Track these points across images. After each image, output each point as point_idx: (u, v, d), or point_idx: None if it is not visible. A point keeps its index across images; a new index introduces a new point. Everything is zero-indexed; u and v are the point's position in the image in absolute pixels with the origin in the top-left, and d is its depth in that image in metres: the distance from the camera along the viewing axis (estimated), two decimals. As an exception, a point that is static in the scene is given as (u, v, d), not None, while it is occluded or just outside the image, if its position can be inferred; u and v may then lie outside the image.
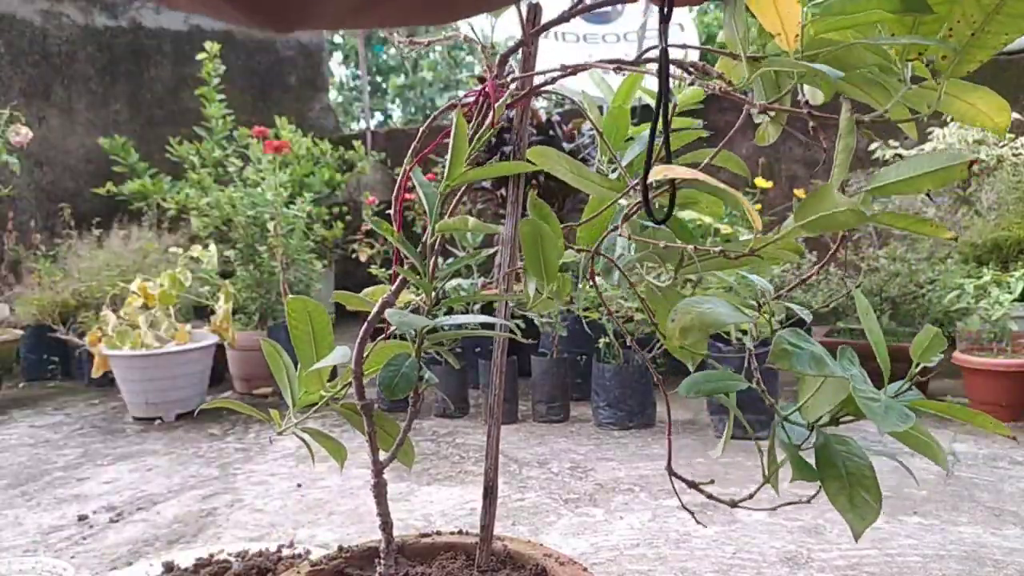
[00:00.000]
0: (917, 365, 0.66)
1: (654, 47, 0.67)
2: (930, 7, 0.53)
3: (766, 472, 0.67)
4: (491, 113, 0.71)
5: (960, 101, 0.59)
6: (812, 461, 0.63)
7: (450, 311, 0.78)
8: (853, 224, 0.55)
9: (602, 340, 2.77)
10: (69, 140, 5.13)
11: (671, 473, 0.71)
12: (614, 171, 0.84)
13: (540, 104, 3.52)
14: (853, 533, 0.60)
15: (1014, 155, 3.33)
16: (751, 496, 0.68)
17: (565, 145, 3.14)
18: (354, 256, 4.45)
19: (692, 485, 0.71)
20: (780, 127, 0.70)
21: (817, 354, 0.62)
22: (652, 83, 0.74)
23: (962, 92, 0.59)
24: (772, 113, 0.68)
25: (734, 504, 0.70)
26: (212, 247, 3.46)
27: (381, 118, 10.50)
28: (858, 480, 0.62)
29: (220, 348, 3.35)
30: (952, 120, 3.33)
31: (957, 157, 0.53)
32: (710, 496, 0.70)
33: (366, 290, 0.85)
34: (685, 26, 5.04)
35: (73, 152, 5.14)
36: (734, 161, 0.78)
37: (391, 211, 0.75)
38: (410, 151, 0.76)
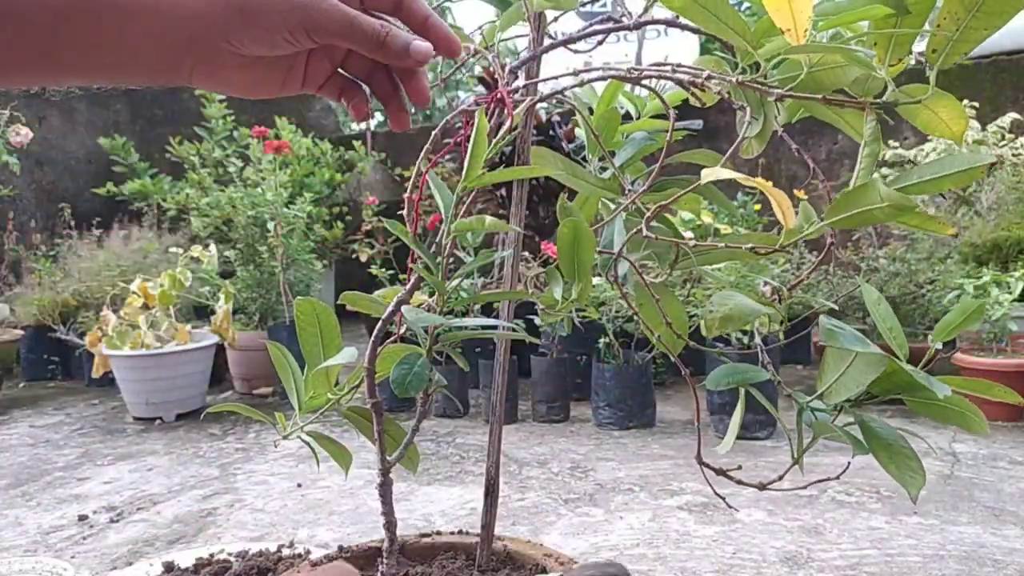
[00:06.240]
0: (944, 343, 0.70)
1: (658, 63, 0.69)
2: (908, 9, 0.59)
3: (795, 455, 0.70)
4: (507, 119, 0.72)
5: (926, 110, 0.63)
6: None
7: (450, 312, 0.78)
8: (889, 220, 0.58)
9: (602, 340, 2.77)
10: (69, 140, 5.12)
11: (700, 463, 0.74)
12: (604, 171, 0.85)
13: (540, 104, 3.52)
14: (910, 496, 0.64)
15: (1014, 155, 3.33)
16: (781, 477, 0.71)
17: (565, 145, 3.14)
18: (354, 256, 4.44)
19: (720, 472, 0.73)
20: (764, 142, 0.72)
21: (858, 335, 0.66)
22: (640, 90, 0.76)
23: (929, 101, 0.62)
24: (759, 126, 0.69)
25: (763, 487, 0.73)
26: (212, 247, 3.45)
27: (381, 118, 10.50)
28: (898, 450, 0.66)
29: (220, 348, 3.34)
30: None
31: (978, 160, 0.57)
32: (739, 482, 0.73)
33: (378, 292, 0.85)
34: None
35: (73, 152, 5.13)
36: (715, 159, 0.79)
37: (396, 211, 0.75)
38: (422, 153, 0.76)
